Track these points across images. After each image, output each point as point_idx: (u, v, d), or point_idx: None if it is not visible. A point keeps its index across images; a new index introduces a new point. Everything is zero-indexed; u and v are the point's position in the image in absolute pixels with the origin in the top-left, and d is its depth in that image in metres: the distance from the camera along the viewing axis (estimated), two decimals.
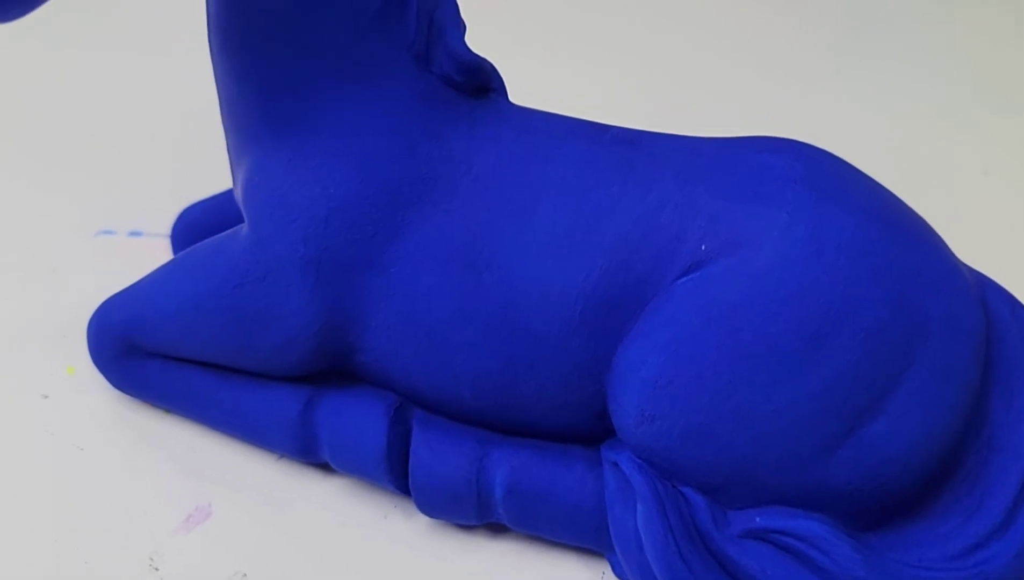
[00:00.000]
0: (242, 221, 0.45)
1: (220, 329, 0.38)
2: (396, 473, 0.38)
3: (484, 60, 0.37)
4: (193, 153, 0.56)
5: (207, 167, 0.55)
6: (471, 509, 0.37)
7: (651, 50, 0.70)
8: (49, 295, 0.48)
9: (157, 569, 0.37)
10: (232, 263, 0.38)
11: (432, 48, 0.36)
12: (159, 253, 0.50)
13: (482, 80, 0.37)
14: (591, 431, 0.37)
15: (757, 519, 0.34)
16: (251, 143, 0.38)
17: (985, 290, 0.36)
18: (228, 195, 0.47)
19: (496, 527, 0.39)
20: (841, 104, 0.66)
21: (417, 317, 0.36)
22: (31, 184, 0.55)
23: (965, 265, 0.36)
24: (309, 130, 0.36)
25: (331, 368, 0.39)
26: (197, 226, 0.47)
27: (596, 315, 0.35)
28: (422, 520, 0.39)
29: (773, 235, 0.33)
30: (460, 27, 0.37)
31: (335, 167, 0.36)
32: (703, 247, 0.34)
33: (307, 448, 0.39)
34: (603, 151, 0.36)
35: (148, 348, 0.40)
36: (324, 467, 0.41)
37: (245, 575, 0.37)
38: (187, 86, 0.61)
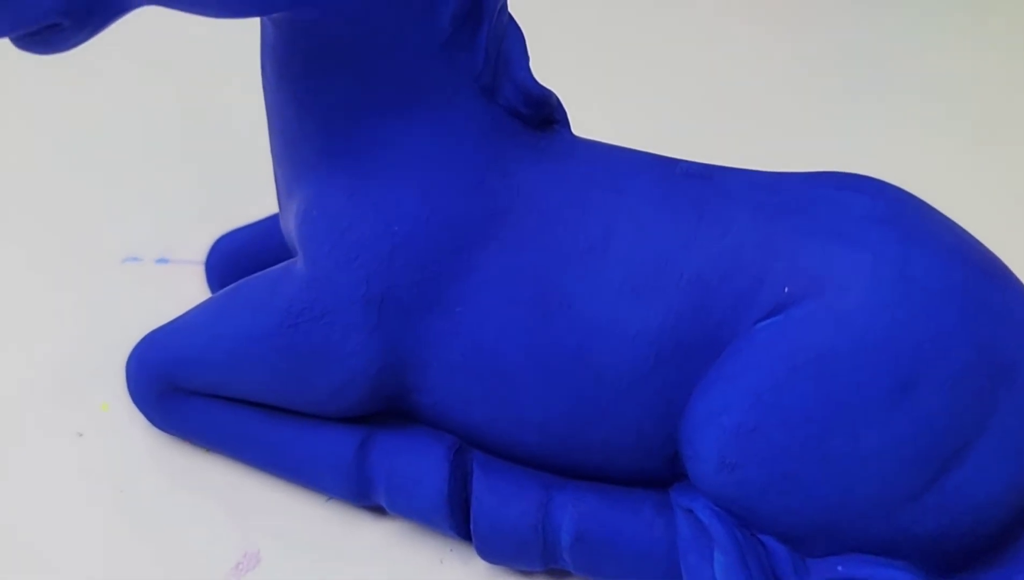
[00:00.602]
0: (285, 252, 0.44)
1: (273, 369, 0.37)
2: (456, 517, 0.37)
3: (550, 92, 0.36)
4: (219, 177, 0.55)
5: (234, 191, 0.54)
6: (536, 555, 0.36)
7: (661, 76, 0.69)
8: (76, 327, 0.46)
9: None
10: (287, 301, 0.36)
11: (498, 79, 0.35)
12: (188, 281, 0.49)
13: (547, 113, 0.36)
14: (659, 475, 0.36)
15: (839, 568, 0.33)
16: (307, 175, 0.36)
17: None
18: (266, 223, 0.46)
19: (558, 572, 0.38)
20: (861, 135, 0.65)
21: (483, 358, 0.35)
22: (52, 211, 0.53)
23: None
24: (371, 163, 0.35)
25: (387, 408, 0.38)
26: (235, 256, 0.45)
27: (672, 358, 0.34)
28: (480, 565, 0.38)
29: (859, 278, 0.32)
30: (527, 58, 0.35)
31: (399, 202, 0.35)
32: (786, 289, 0.33)
33: (362, 491, 0.38)
34: (675, 186, 0.35)
35: (192, 387, 0.39)
36: (375, 509, 0.39)
37: None
38: (213, 108, 0.60)
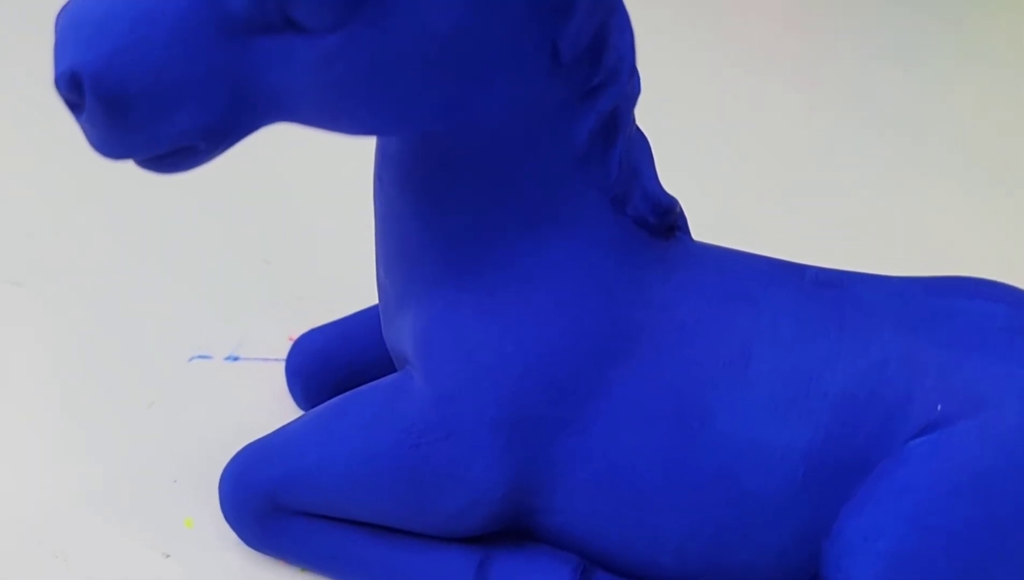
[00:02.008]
0: (374, 354, 0.42)
1: (390, 490, 0.35)
2: None
3: (676, 200, 0.35)
4: (289, 268, 0.53)
5: (305, 284, 0.52)
6: None
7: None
8: (150, 435, 0.44)
9: None
10: (407, 420, 0.34)
11: (628, 190, 0.34)
12: (262, 379, 0.47)
13: (672, 220, 0.35)
14: None
15: None
16: (428, 289, 0.35)
17: None
18: (351, 323, 0.44)
19: None
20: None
21: (619, 479, 0.34)
22: (112, 307, 0.50)
23: None
24: (500, 279, 0.34)
25: (507, 528, 0.36)
26: (321, 357, 0.43)
27: (819, 477, 0.33)
28: None
29: (1014, 395, 0.32)
30: (654, 167, 0.35)
31: (530, 320, 0.33)
32: (938, 407, 0.32)
33: None
34: (809, 297, 0.34)
35: (297, 507, 0.37)
36: None
37: None
38: (284, 200, 0.58)
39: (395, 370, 0.42)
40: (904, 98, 0.79)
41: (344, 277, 0.50)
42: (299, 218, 0.57)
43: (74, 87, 0.27)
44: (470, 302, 0.34)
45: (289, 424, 0.38)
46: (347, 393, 0.37)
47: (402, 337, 0.37)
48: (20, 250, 0.53)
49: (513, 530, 0.37)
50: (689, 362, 0.33)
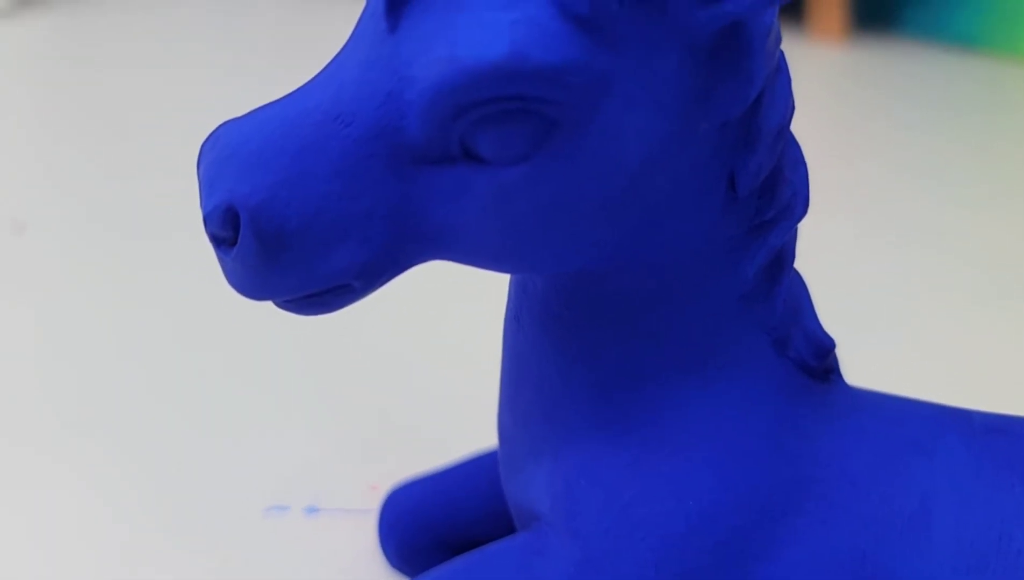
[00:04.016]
0: (477, 510, 0.39)
1: None
2: None
3: (834, 340, 0.33)
4: (367, 414, 0.50)
5: (387, 428, 0.49)
6: None
7: None
8: None
9: None
10: None
11: (790, 330, 0.32)
12: (345, 533, 0.43)
13: (830, 363, 0.33)
14: None
15: None
16: (569, 439, 0.32)
17: None
18: (451, 475, 0.40)
19: None
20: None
21: None
22: (182, 454, 0.47)
23: None
24: (656, 429, 0.31)
25: None
26: (418, 512, 0.40)
27: None
28: None
29: None
30: (813, 304, 0.32)
31: (692, 475, 0.30)
32: None
33: None
34: (982, 445, 0.32)
35: None
36: None
37: None
38: (360, 340, 0.55)
39: (505, 524, 0.38)
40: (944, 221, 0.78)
41: (427, 422, 0.47)
42: (377, 360, 0.54)
43: (228, 222, 0.25)
44: (622, 454, 0.31)
45: None
46: (469, 554, 0.34)
47: (533, 492, 0.33)
48: (81, 394, 0.50)
49: None
50: (865, 520, 0.30)
